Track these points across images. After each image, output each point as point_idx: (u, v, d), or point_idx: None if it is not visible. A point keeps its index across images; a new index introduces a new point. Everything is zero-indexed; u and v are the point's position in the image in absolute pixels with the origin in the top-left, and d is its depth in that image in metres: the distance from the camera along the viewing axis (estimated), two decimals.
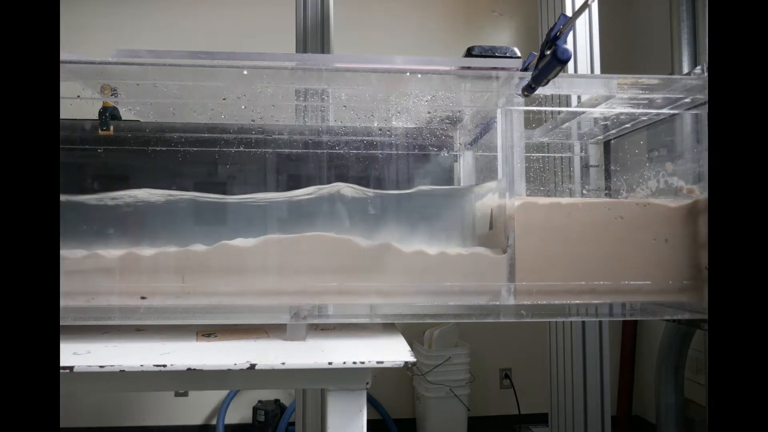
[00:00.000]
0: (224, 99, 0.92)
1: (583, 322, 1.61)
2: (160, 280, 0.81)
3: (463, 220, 0.98)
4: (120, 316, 0.82)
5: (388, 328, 0.89)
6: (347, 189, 0.91)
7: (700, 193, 0.91)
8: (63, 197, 0.80)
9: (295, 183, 1.00)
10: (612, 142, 1.17)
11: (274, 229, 0.91)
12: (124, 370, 0.67)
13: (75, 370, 0.66)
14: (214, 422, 2.55)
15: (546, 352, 1.80)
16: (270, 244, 0.84)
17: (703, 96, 0.88)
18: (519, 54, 0.87)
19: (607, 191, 1.16)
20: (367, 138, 1.00)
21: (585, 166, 1.21)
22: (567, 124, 1.14)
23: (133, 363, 0.67)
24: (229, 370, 0.68)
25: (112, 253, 0.83)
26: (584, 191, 1.20)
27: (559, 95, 1.46)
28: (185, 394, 2.56)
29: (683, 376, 1.72)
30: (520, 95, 0.85)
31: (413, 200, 0.96)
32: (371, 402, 2.47)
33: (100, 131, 0.94)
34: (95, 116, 0.94)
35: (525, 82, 0.82)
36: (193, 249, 0.83)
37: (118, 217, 0.89)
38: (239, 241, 0.84)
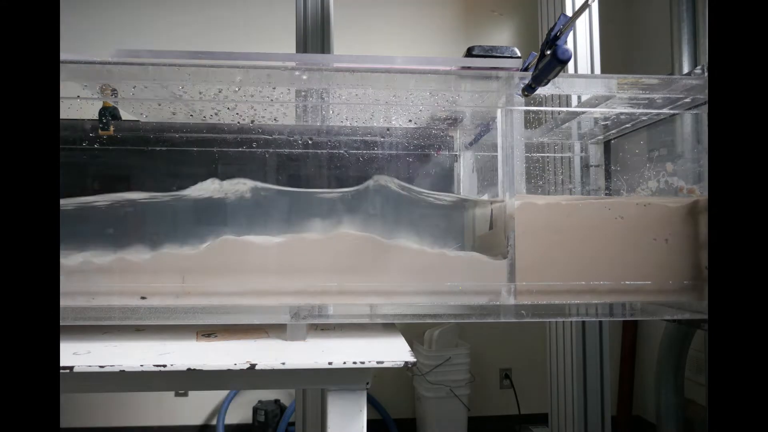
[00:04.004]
0: (231, 108, 0.92)
1: (583, 322, 1.61)
2: (160, 280, 0.81)
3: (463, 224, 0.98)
4: (120, 316, 0.82)
5: (388, 328, 0.89)
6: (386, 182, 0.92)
7: (700, 193, 0.91)
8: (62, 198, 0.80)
9: (294, 183, 1.00)
10: (612, 142, 1.17)
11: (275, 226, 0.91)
12: (124, 370, 0.67)
13: (75, 370, 0.66)
14: (214, 422, 2.55)
15: (546, 352, 1.80)
16: (277, 241, 0.84)
17: (703, 96, 0.88)
18: (519, 54, 0.87)
19: (607, 191, 1.16)
20: (366, 138, 1.00)
21: (585, 166, 1.21)
22: (567, 124, 1.14)
23: (133, 363, 0.67)
24: (229, 370, 0.68)
25: (112, 253, 0.83)
26: (584, 191, 1.20)
27: (559, 95, 1.46)
28: (185, 394, 2.56)
29: (683, 376, 1.72)
30: (520, 95, 0.85)
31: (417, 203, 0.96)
32: (371, 402, 2.46)
33: (99, 131, 0.93)
34: (95, 116, 0.94)
35: (525, 82, 0.82)
36: (193, 248, 0.83)
37: (118, 217, 0.89)
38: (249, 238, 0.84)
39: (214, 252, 0.82)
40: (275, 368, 0.68)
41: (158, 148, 0.95)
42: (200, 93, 0.89)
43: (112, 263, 0.81)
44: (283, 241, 0.84)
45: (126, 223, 0.89)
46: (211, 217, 0.90)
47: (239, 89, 0.87)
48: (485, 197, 1.02)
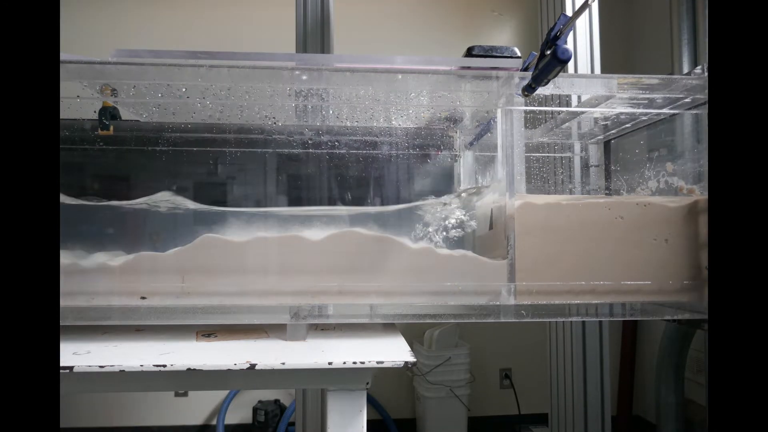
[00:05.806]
0: (221, 110, 0.93)
1: (583, 322, 1.61)
2: (160, 280, 0.81)
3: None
4: (120, 316, 0.82)
5: (388, 328, 0.89)
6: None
7: (700, 193, 0.91)
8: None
9: (294, 183, 1.00)
10: (612, 142, 1.17)
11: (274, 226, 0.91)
12: (124, 370, 0.67)
13: (75, 370, 0.66)
14: (214, 422, 2.55)
15: (546, 352, 1.80)
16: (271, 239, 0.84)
17: (703, 96, 0.88)
18: (519, 54, 0.87)
19: (607, 191, 1.16)
20: (366, 138, 1.00)
21: (585, 166, 1.21)
22: (567, 124, 1.14)
23: (133, 363, 0.67)
24: (229, 370, 0.68)
25: (112, 253, 0.82)
26: (584, 191, 1.20)
27: (559, 95, 1.46)
28: (185, 394, 2.56)
29: (683, 376, 1.72)
30: (520, 95, 0.85)
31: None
32: (371, 402, 2.46)
33: (99, 131, 0.93)
34: (95, 116, 0.94)
35: (525, 82, 0.82)
36: (194, 248, 0.83)
37: (118, 217, 0.89)
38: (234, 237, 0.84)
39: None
40: (275, 368, 0.68)
41: (158, 148, 0.95)
42: (200, 93, 0.89)
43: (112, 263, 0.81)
44: (283, 240, 0.84)
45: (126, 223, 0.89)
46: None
47: (238, 89, 0.87)
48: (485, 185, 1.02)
